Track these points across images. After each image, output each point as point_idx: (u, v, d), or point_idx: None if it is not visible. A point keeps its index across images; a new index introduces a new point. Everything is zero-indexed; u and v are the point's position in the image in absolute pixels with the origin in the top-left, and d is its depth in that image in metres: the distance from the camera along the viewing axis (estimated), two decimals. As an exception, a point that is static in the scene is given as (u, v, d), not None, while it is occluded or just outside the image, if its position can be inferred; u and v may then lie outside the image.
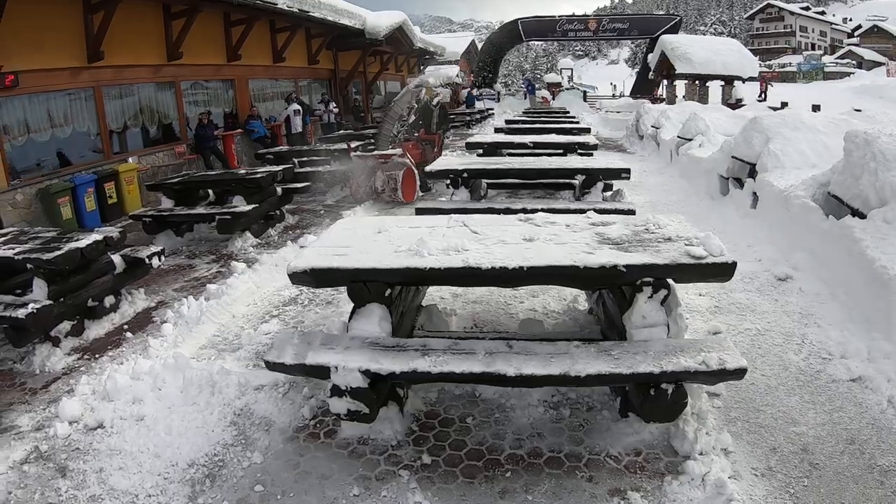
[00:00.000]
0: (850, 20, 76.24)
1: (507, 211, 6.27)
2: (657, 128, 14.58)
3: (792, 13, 74.79)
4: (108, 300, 5.00)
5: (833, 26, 74.17)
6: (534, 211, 6.04)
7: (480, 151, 9.37)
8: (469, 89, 27.27)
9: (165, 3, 10.44)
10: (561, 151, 9.32)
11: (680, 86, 22.29)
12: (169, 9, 10.61)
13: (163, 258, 5.55)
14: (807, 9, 77.49)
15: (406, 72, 25.76)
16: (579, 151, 9.37)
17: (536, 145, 9.42)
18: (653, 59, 21.18)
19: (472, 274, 3.20)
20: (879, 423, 3.18)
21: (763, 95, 22.91)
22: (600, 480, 2.80)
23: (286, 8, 12.26)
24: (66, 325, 4.56)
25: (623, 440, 3.07)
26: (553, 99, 27.99)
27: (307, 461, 2.99)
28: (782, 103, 20.12)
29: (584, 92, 31.97)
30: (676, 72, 18.80)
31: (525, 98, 29.12)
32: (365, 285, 3.24)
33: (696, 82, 20.22)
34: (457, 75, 17.57)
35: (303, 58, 16.37)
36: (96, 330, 4.79)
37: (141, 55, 10.14)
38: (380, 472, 2.87)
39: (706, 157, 9.81)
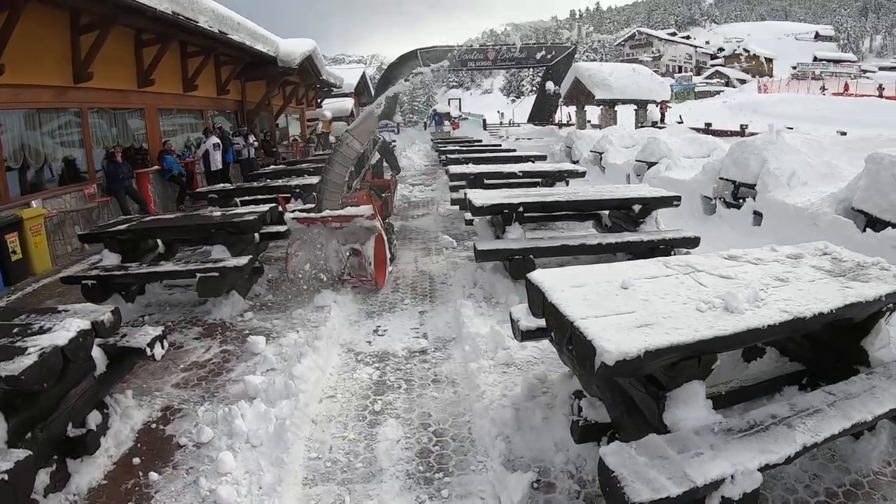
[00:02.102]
0: (709, 43, 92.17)
1: (589, 248, 6.04)
2: (600, 152, 15.40)
3: (660, 39, 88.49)
4: (93, 419, 3.51)
5: (698, 49, 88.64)
6: (614, 245, 5.96)
7: (464, 182, 9.44)
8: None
9: (74, 10, 9.08)
10: (543, 180, 9.77)
11: (590, 110, 24.49)
12: (78, 20, 9.17)
13: (165, 344, 4.07)
14: (673, 34, 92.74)
15: (306, 105, 25.71)
16: (567, 179, 9.87)
17: (525, 174, 9.90)
18: (564, 85, 23.01)
19: (797, 327, 2.83)
20: None
21: (662, 117, 26.09)
22: None
23: (207, 27, 11.30)
24: (42, 478, 3.06)
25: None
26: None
27: None
28: (706, 124, 22.92)
29: (484, 120, 34.35)
30: (596, 98, 20.62)
31: (426, 129, 30.36)
32: (699, 360, 2.52)
33: (611, 107, 22.41)
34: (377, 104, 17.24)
35: (212, 87, 15.51)
36: (88, 474, 3.26)
37: (44, 74, 8.97)
38: None
39: (689, 179, 10.53)
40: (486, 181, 9.85)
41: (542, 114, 31.15)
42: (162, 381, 4.43)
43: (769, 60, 78.28)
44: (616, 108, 22.65)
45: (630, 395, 2.85)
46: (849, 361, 3.34)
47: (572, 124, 28.50)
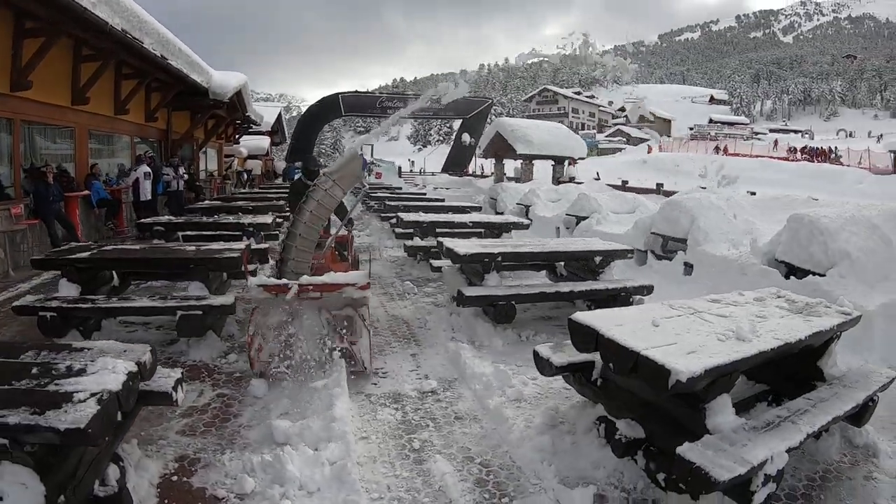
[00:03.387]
0: (612, 103, 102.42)
1: (563, 295, 7.06)
2: (527, 205, 16.91)
3: (566, 97, 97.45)
4: (112, 474, 3.20)
5: (600, 108, 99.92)
6: (585, 293, 6.99)
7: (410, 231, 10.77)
8: (292, 163, 29.01)
9: (19, 10, 8.96)
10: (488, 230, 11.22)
11: (508, 164, 26.59)
12: (23, 23, 9.09)
13: (185, 387, 3.84)
14: (578, 93, 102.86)
15: (224, 140, 25.60)
16: (512, 230, 11.47)
17: (475, 224, 11.40)
18: (484, 138, 25.03)
19: (784, 352, 3.89)
20: None
21: (574, 170, 28.92)
22: None
23: (150, 50, 11.52)
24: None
25: None
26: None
27: None
28: (623, 181, 25.46)
29: (399, 167, 35.51)
30: (518, 152, 22.58)
31: None
32: (730, 377, 3.46)
33: (529, 161, 24.53)
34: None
35: (141, 113, 15.55)
36: (126, 542, 3.16)
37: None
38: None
39: (622, 234, 12.11)
40: (437, 230, 10.80)
41: (457, 164, 33.30)
42: (163, 429, 4.44)
43: (668, 121, 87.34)
44: (534, 162, 24.78)
45: (667, 411, 3.71)
46: (808, 378, 4.53)
47: (486, 176, 30.66)
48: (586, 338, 3.88)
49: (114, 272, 6.74)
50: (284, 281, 5.27)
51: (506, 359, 6.12)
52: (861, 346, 6.28)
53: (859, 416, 4.37)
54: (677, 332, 3.84)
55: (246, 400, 4.99)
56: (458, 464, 4.14)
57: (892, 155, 43.99)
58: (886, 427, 4.73)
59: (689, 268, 10.17)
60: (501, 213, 17.58)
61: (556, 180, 23.85)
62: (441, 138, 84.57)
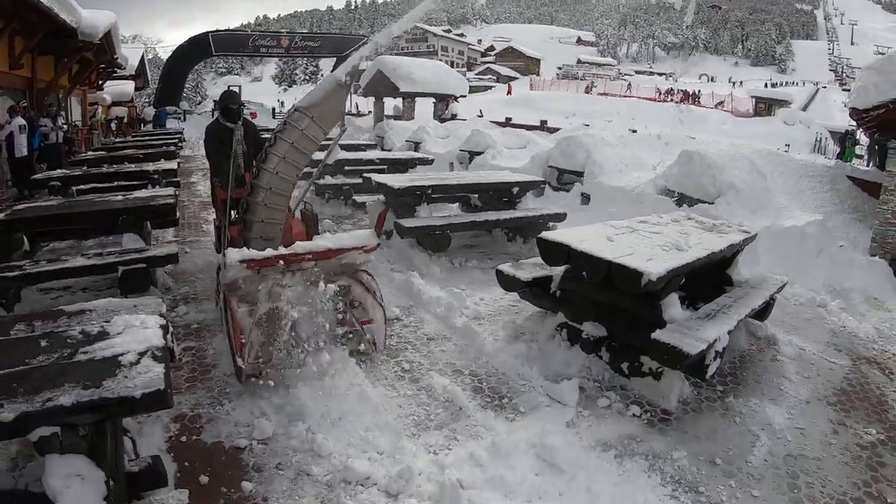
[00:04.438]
0: (480, 41, 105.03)
1: (490, 223, 7.92)
2: (416, 142, 17.62)
3: (435, 35, 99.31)
4: (128, 446, 3.16)
5: (469, 46, 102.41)
6: (507, 221, 7.87)
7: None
8: (162, 108, 27.31)
9: None
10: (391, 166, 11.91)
11: (387, 102, 26.89)
12: None
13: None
14: (448, 31, 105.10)
15: (88, 87, 23.39)
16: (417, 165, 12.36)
17: (382, 161, 12.20)
18: (365, 77, 25.07)
19: (718, 261, 5.06)
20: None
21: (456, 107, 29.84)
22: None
23: None
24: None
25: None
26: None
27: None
28: (507, 118, 26.61)
29: (273, 108, 34.73)
30: (401, 90, 23.02)
31: (213, 115, 30.36)
32: (680, 278, 4.47)
33: (411, 100, 25.03)
34: None
35: (5, 60, 14.11)
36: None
37: None
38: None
39: (520, 167, 13.23)
40: (345, 168, 11.24)
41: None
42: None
43: (536, 60, 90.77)
44: (415, 100, 25.39)
45: (625, 311, 4.65)
46: (720, 284, 5.75)
47: (363, 115, 30.85)
48: (558, 253, 4.71)
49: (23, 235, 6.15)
50: (273, 251, 4.24)
51: (448, 284, 6.83)
52: (748, 262, 7.75)
53: (763, 312, 5.69)
54: (630, 245, 4.78)
55: (219, 348, 4.92)
56: (451, 377, 4.75)
57: (753, 100, 49.73)
58: (778, 323, 6.08)
59: (586, 198, 11.59)
60: (389, 151, 18.05)
61: (439, 118, 24.58)
62: (307, 77, 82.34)
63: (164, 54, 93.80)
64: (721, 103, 48.97)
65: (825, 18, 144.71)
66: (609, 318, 4.80)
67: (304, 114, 4.68)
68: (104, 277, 6.11)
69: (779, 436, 4.07)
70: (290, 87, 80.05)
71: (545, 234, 4.90)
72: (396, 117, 25.54)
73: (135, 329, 2.87)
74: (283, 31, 35.76)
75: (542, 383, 4.54)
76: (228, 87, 9.30)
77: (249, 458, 3.49)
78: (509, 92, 54.10)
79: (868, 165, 20.62)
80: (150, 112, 27.76)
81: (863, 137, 22.83)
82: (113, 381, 2.47)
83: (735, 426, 4.14)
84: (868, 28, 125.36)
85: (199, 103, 42.46)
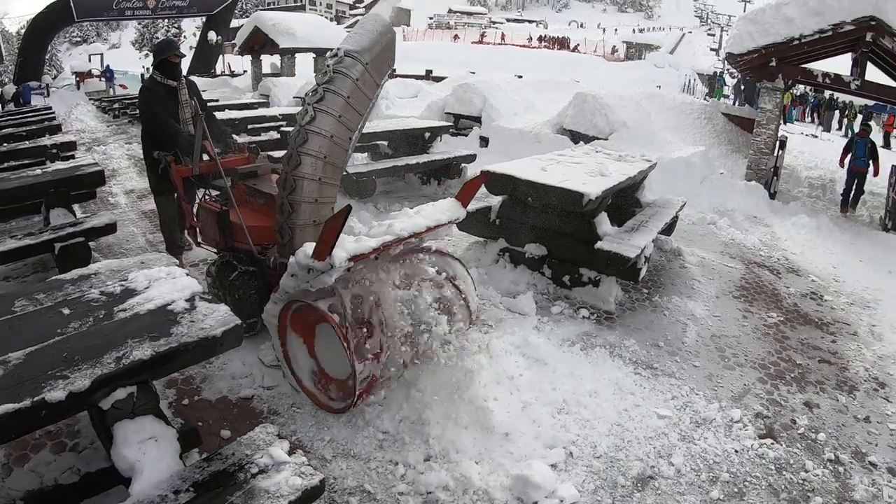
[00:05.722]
0: None
1: (410, 167, 8.44)
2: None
3: None
4: None
5: None
6: (425, 164, 8.42)
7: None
8: (24, 84, 25.25)
9: None
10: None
11: (265, 61, 26.22)
12: None
13: None
14: None
15: None
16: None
17: (284, 117, 12.28)
18: (240, 35, 24.26)
19: (631, 185, 5.92)
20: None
21: None
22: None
23: None
24: None
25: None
26: None
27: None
28: (392, 69, 26.73)
29: (142, 75, 33.11)
30: (281, 46, 22.48)
31: (79, 88, 28.77)
32: (607, 199, 5.25)
33: (291, 56, 24.58)
34: None
35: None
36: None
37: None
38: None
39: (418, 115, 13.77)
40: (248, 126, 11.38)
41: (204, 64, 31.93)
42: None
43: (407, 10, 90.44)
44: (295, 57, 24.99)
45: (562, 232, 5.37)
46: (630, 206, 6.64)
47: (238, 74, 29.91)
48: (504, 183, 5.34)
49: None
50: (380, 238, 3.30)
51: (381, 226, 7.29)
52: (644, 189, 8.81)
53: (670, 228, 6.65)
54: (562, 173, 5.50)
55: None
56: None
57: (624, 45, 52.76)
58: (679, 239, 7.14)
59: (484, 141, 12.35)
60: (277, 108, 17.93)
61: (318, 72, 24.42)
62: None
63: (13, 27, 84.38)
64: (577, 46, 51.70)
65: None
66: (548, 238, 5.52)
67: (356, 59, 3.64)
68: (24, 263, 5.79)
69: (702, 322, 5.05)
70: (151, 51, 75.23)
71: (489, 167, 5.48)
72: (275, 75, 24.98)
73: (163, 281, 2.86)
74: None
75: (501, 300, 5.17)
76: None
77: (261, 404, 3.57)
78: None
79: (734, 103, 23.01)
80: (10, 90, 25.34)
81: (728, 78, 25.34)
82: (181, 328, 2.48)
83: (666, 318, 5.06)
84: None
85: (56, 77, 39.23)
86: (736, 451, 3.45)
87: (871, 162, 10.82)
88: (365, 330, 3.45)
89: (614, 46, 54.47)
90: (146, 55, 72.29)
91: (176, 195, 5.22)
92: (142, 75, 35.93)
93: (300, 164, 3.54)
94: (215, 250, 4.70)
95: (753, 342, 4.87)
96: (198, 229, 4.93)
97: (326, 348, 3.52)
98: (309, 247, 3.16)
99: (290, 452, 2.33)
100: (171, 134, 4.90)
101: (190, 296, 2.74)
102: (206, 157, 4.77)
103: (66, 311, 2.63)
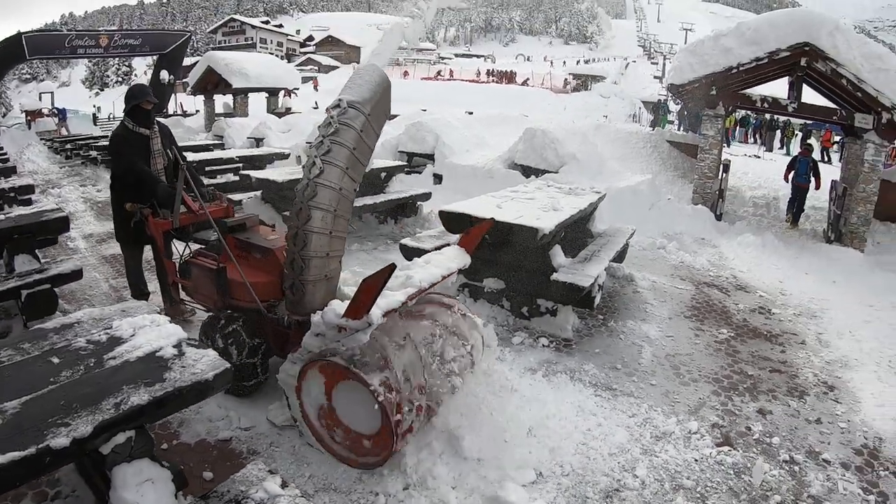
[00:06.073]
0: (299, 32, 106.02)
1: (368, 207, 8.69)
2: (259, 138, 17.92)
3: (253, 26, 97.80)
4: None
5: (288, 37, 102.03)
6: (384, 203, 8.67)
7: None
8: None
9: None
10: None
11: (217, 100, 26.45)
12: None
13: None
14: (266, 22, 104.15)
15: None
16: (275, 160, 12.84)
17: (241, 158, 12.57)
18: (194, 74, 24.47)
19: (582, 217, 6.22)
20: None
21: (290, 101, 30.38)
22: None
23: None
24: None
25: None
26: None
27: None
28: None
29: (94, 115, 34.80)
30: (234, 86, 22.83)
31: (30, 128, 28.69)
32: (561, 232, 5.59)
33: (244, 95, 24.87)
34: None
35: None
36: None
37: None
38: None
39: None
40: (206, 168, 11.48)
41: (157, 104, 31.94)
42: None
43: (356, 48, 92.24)
44: (248, 96, 25.30)
45: (520, 266, 5.67)
46: (583, 237, 7.01)
47: (190, 114, 30.01)
48: (461, 222, 5.62)
49: None
50: (410, 289, 3.53)
51: (343, 267, 7.51)
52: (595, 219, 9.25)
53: (621, 255, 7.03)
54: (517, 210, 5.83)
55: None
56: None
57: (571, 77, 54.52)
58: (631, 265, 7.54)
59: (438, 178, 12.69)
60: (231, 149, 18.06)
61: (272, 112, 24.68)
62: (120, 79, 77.04)
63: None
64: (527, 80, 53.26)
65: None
66: (506, 272, 5.83)
67: (359, 111, 3.67)
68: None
69: (656, 343, 5.41)
70: (102, 90, 74.61)
71: (447, 207, 5.78)
72: (228, 115, 25.19)
73: (148, 328, 3.00)
74: (101, 29, 33.38)
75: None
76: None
77: (240, 445, 3.66)
78: (316, 87, 53.83)
79: (679, 129, 24.04)
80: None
81: (672, 105, 26.46)
82: (173, 373, 2.62)
83: (622, 341, 5.40)
84: (673, 7, 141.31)
85: (5, 115, 38.62)
86: (696, 460, 3.74)
87: (812, 178, 11.63)
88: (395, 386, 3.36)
89: (566, 79, 56.12)
90: (96, 94, 71.99)
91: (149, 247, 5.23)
92: (93, 115, 35.74)
93: (310, 219, 3.50)
94: (203, 308, 4.62)
95: (706, 358, 5.23)
96: (181, 285, 4.80)
97: (348, 403, 3.42)
98: (338, 305, 3.25)
99: (283, 486, 2.51)
100: (149, 184, 4.81)
101: (177, 342, 2.89)
102: (183, 208, 4.74)
103: (56, 359, 2.75)
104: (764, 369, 5.11)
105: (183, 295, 4.90)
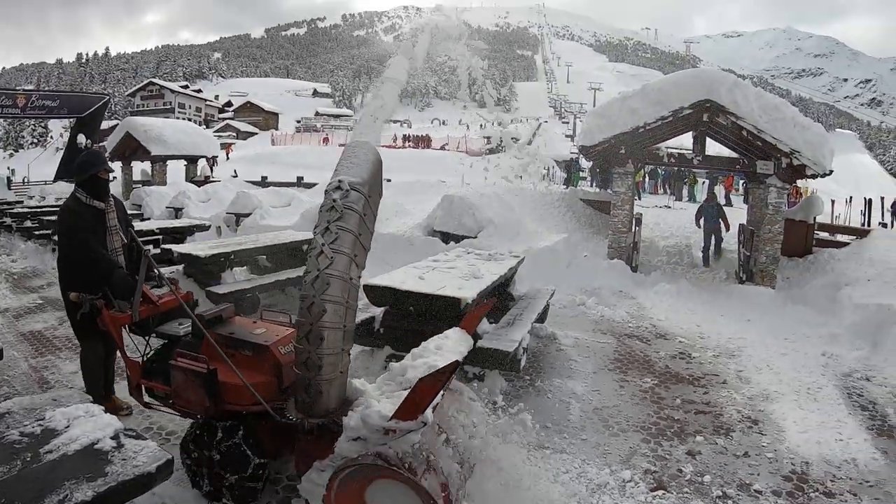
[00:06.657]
0: (217, 97, 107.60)
1: (289, 282, 8.87)
2: (178, 208, 17.75)
3: (172, 91, 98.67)
4: None
5: (207, 102, 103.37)
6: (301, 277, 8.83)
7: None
8: None
9: None
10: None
11: (135, 167, 26.18)
12: None
13: None
14: (185, 87, 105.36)
15: None
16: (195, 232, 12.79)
17: (161, 230, 12.29)
18: (112, 140, 24.25)
19: (503, 282, 6.57)
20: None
21: (211, 170, 30.49)
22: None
23: None
24: None
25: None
26: None
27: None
28: (263, 177, 27.15)
29: (8, 178, 35.02)
30: (153, 153, 22.72)
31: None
32: (484, 300, 5.86)
33: (163, 163, 24.76)
34: None
35: None
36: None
37: None
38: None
39: (292, 224, 14.19)
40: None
41: (72, 170, 31.42)
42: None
43: (275, 114, 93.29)
44: (167, 164, 25.25)
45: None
46: (505, 300, 7.36)
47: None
48: (384, 294, 5.82)
49: None
50: (435, 377, 3.01)
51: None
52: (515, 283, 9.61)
53: (543, 315, 7.37)
54: (439, 280, 6.11)
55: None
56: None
57: (486, 140, 56.38)
58: (553, 323, 7.89)
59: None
60: (149, 219, 17.76)
61: (191, 180, 24.62)
62: (36, 140, 74.85)
63: None
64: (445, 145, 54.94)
65: (544, 62, 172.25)
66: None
67: (360, 193, 3.50)
68: None
69: (583, 398, 5.71)
70: (16, 151, 72.32)
71: (371, 281, 5.96)
72: (146, 182, 24.93)
73: (83, 419, 2.94)
74: (18, 88, 32.56)
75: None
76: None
77: None
78: (228, 155, 53.31)
79: (592, 186, 25.29)
80: None
81: (584, 162, 27.80)
82: (115, 466, 2.61)
83: (550, 400, 5.67)
84: (582, 68, 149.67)
85: None
86: (631, 509, 3.96)
87: (720, 221, 12.81)
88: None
89: (484, 141, 57.87)
90: (10, 155, 69.25)
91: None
92: (7, 178, 34.70)
93: (325, 313, 3.28)
94: (175, 413, 4.12)
95: (633, 408, 5.56)
96: (144, 388, 4.21)
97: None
98: (378, 406, 3.14)
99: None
100: (103, 269, 4.36)
101: (114, 433, 2.87)
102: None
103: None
104: (689, 412, 5.49)
105: (148, 398, 4.25)
